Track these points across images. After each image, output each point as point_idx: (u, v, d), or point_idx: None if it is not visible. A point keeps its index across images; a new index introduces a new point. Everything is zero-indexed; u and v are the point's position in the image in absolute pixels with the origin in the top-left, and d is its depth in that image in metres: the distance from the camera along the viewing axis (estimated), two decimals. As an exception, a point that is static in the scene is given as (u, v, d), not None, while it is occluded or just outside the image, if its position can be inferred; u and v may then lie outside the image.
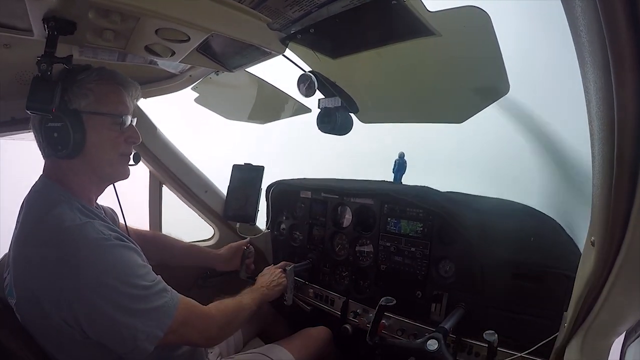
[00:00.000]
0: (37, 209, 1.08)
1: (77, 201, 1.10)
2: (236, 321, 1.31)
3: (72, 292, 0.96)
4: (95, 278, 0.97)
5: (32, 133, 1.15)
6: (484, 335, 1.16)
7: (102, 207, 1.36)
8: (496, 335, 1.16)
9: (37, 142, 1.14)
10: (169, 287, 1.11)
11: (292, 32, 1.16)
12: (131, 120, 1.22)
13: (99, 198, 1.28)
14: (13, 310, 1.06)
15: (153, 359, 1.15)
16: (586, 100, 0.65)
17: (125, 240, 1.09)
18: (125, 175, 1.25)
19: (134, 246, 1.10)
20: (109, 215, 1.35)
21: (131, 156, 1.26)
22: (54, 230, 1.00)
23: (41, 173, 1.17)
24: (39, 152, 1.17)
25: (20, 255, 1.05)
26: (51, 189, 1.11)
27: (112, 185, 1.30)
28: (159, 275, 1.11)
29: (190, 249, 1.84)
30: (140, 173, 1.98)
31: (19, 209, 1.14)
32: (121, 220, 1.45)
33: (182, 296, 1.13)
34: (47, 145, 1.08)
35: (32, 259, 1.01)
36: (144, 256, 1.13)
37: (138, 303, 1.01)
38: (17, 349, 1.01)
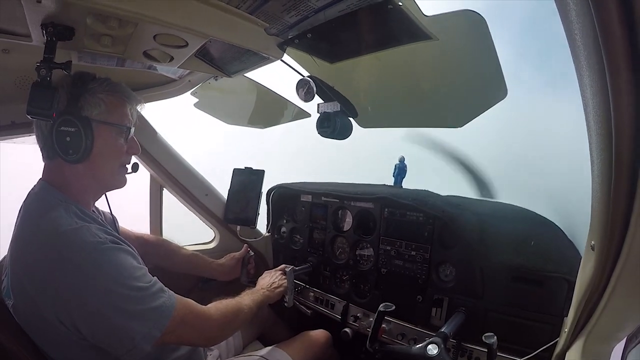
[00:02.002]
0: (34, 212, 1.08)
1: (74, 205, 1.10)
2: (236, 321, 1.30)
3: (69, 295, 0.96)
4: (91, 281, 0.97)
5: (32, 137, 1.16)
6: (483, 337, 1.16)
7: (102, 212, 1.36)
8: (495, 337, 1.15)
9: (40, 143, 1.14)
10: (166, 288, 1.11)
11: (289, 37, 1.17)
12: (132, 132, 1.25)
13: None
14: (11, 312, 1.07)
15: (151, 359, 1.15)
16: (583, 105, 0.65)
17: (121, 243, 1.09)
18: (122, 184, 1.27)
19: (129, 249, 1.10)
20: (108, 220, 1.35)
21: (129, 165, 1.28)
22: (50, 233, 1.00)
23: (40, 177, 1.17)
24: (38, 156, 1.17)
25: (17, 257, 1.05)
26: (49, 193, 1.11)
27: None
28: (155, 277, 1.11)
29: (192, 258, 1.84)
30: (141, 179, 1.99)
31: (17, 212, 1.14)
32: (120, 225, 1.45)
33: (180, 297, 1.13)
34: (57, 148, 1.08)
35: (29, 261, 1.01)
36: (139, 258, 1.13)
37: (134, 304, 1.01)
38: (16, 350, 1.01)
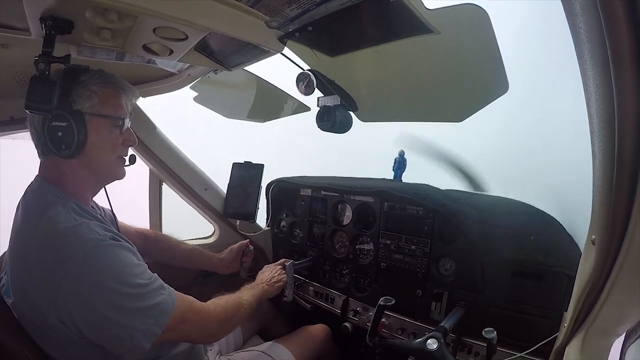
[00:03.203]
0: (32, 210, 1.08)
1: (72, 201, 1.10)
2: (236, 317, 1.31)
3: (68, 293, 0.96)
4: (91, 278, 0.97)
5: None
6: (483, 332, 1.16)
7: (102, 208, 1.35)
8: (495, 332, 1.15)
9: (34, 140, 1.14)
10: (165, 284, 1.10)
11: (290, 30, 1.16)
12: (128, 123, 1.23)
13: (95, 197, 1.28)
14: (11, 309, 1.06)
15: (151, 357, 1.15)
16: (586, 98, 0.64)
17: (121, 239, 1.09)
18: (121, 176, 1.25)
19: (129, 245, 1.10)
20: (107, 216, 1.35)
21: (127, 157, 1.26)
22: (49, 231, 1.00)
23: (37, 173, 1.16)
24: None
25: (16, 256, 1.05)
26: (46, 190, 1.10)
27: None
28: (155, 273, 1.10)
29: (191, 253, 1.84)
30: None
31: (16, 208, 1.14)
32: (119, 220, 1.44)
33: (180, 293, 1.13)
34: (49, 144, 1.08)
35: (28, 260, 1.01)
36: (139, 255, 1.12)
37: (135, 301, 1.00)
38: (15, 348, 1.01)
